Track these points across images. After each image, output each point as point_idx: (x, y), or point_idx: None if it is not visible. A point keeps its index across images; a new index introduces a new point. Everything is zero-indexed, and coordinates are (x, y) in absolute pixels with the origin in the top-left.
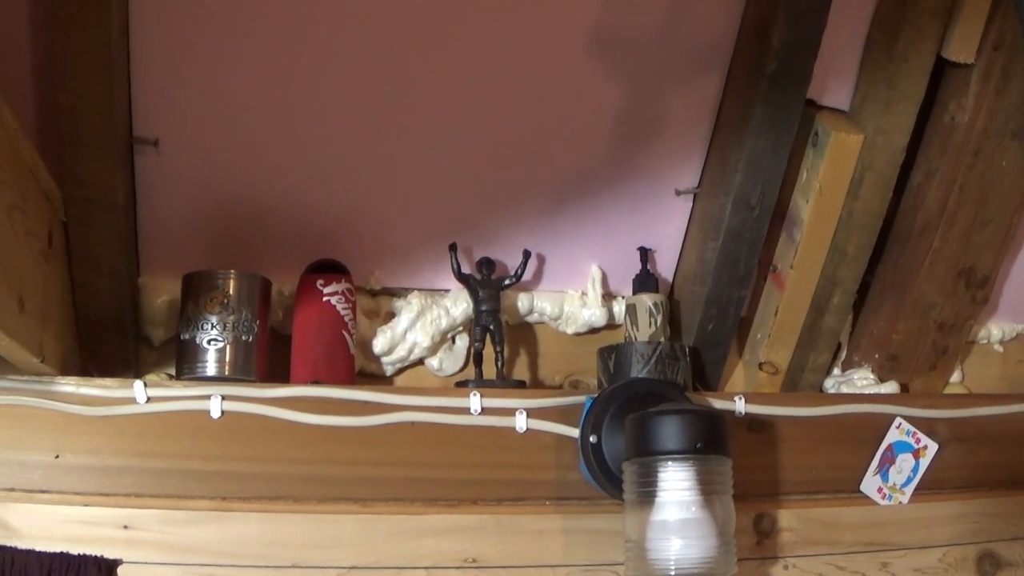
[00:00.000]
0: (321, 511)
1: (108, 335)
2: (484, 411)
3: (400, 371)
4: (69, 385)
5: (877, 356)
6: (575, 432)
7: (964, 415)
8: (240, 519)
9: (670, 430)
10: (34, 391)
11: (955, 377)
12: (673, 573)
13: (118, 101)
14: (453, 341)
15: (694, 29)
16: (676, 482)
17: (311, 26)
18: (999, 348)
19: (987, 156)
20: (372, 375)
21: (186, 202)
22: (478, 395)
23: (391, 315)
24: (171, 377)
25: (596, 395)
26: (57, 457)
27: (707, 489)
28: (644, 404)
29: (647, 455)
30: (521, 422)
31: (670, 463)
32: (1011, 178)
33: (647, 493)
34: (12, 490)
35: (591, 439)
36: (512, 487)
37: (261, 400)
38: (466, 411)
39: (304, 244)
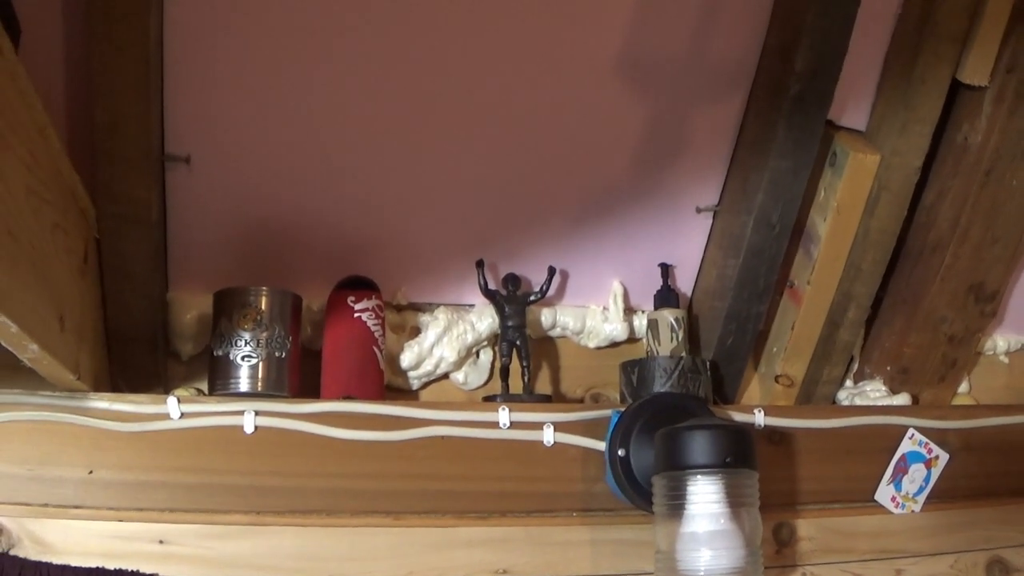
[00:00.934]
0: (354, 524)
1: (138, 350)
2: (512, 425)
3: (426, 385)
4: (103, 401)
5: (889, 368)
6: (601, 445)
7: (974, 425)
8: (275, 533)
9: (700, 445)
10: (67, 407)
11: (963, 388)
12: None
13: (152, 118)
14: (477, 355)
15: (718, 51)
16: (706, 495)
17: (340, 46)
18: (1005, 359)
19: (998, 176)
20: (398, 389)
21: (215, 218)
22: (507, 409)
23: (416, 330)
24: (199, 392)
25: (622, 409)
26: (91, 473)
27: (735, 502)
28: (670, 418)
29: (678, 469)
30: (549, 436)
31: (700, 477)
32: (1021, 197)
33: (677, 506)
34: (46, 506)
35: (619, 452)
36: (540, 499)
37: (294, 415)
38: (495, 425)
39: (331, 260)
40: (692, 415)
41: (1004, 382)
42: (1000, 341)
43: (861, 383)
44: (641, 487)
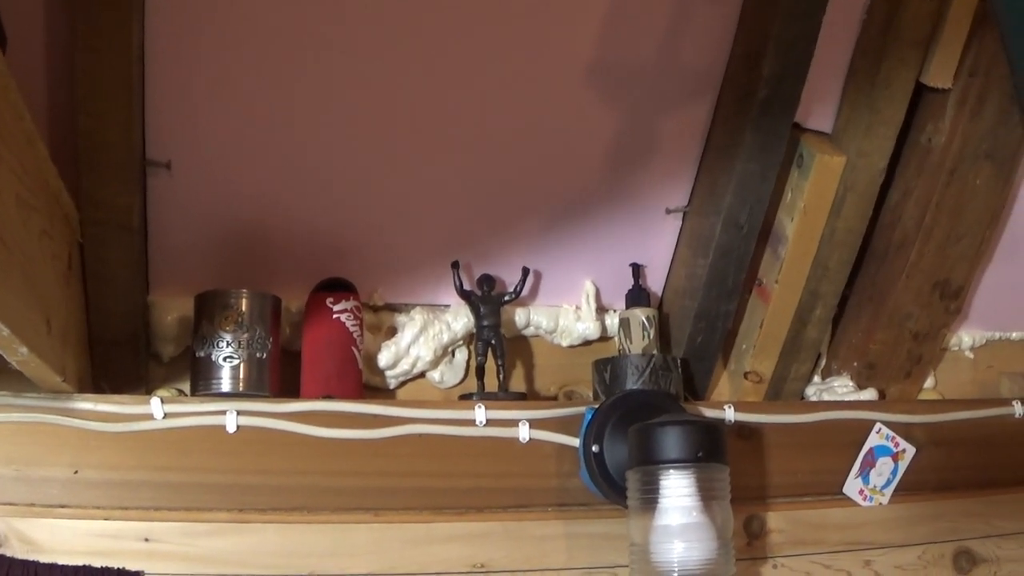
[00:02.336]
0: (335, 521)
1: (120, 352)
2: (488, 423)
3: (403, 384)
4: (87, 402)
5: (856, 364)
6: (575, 441)
7: (939, 420)
8: (257, 530)
9: (672, 440)
10: (52, 408)
11: (928, 383)
12: (676, 573)
13: (134, 125)
14: (453, 355)
15: (686, 58)
16: (678, 489)
17: (319, 54)
18: (970, 355)
19: (962, 176)
20: (376, 388)
21: (195, 222)
22: (483, 407)
23: (393, 330)
24: (181, 392)
25: (596, 406)
26: (76, 472)
27: (707, 495)
28: (642, 415)
29: (651, 464)
30: (524, 433)
31: (672, 471)
32: (984, 196)
33: (650, 499)
34: (33, 505)
35: (593, 448)
36: (516, 495)
37: (275, 415)
38: (471, 423)
39: (310, 262)
40: (664, 411)
41: (970, 377)
42: (965, 337)
43: (829, 379)
44: (615, 482)
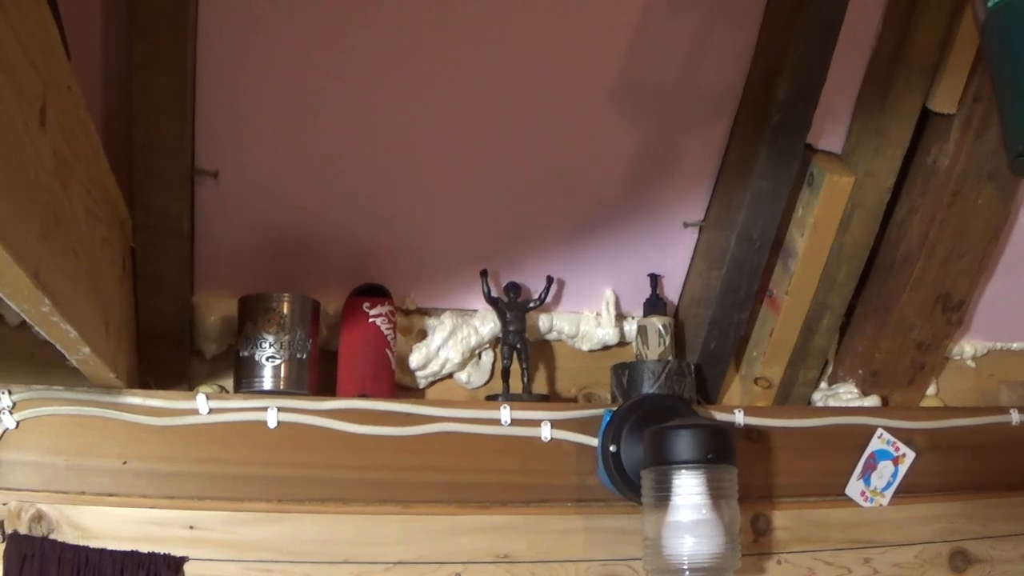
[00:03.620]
0: (368, 512)
1: (166, 350)
2: (513, 422)
3: (432, 384)
4: (136, 397)
5: (861, 372)
6: (594, 441)
7: (939, 426)
8: (295, 519)
9: (685, 442)
10: (103, 403)
11: (931, 390)
12: (686, 567)
13: (185, 137)
14: (480, 357)
15: (705, 79)
16: (689, 488)
17: (358, 72)
18: (971, 364)
19: (965, 196)
20: (406, 387)
21: (239, 228)
22: (507, 408)
23: (423, 332)
24: (222, 389)
25: (614, 409)
26: (125, 463)
27: (716, 494)
28: (657, 417)
29: (664, 464)
30: (546, 432)
31: (684, 471)
32: (986, 215)
33: (663, 497)
34: (83, 493)
35: (611, 448)
36: (538, 490)
37: (314, 412)
38: (497, 422)
39: (346, 268)
40: (678, 415)
41: (971, 385)
42: (967, 347)
43: (835, 385)
44: (631, 480)
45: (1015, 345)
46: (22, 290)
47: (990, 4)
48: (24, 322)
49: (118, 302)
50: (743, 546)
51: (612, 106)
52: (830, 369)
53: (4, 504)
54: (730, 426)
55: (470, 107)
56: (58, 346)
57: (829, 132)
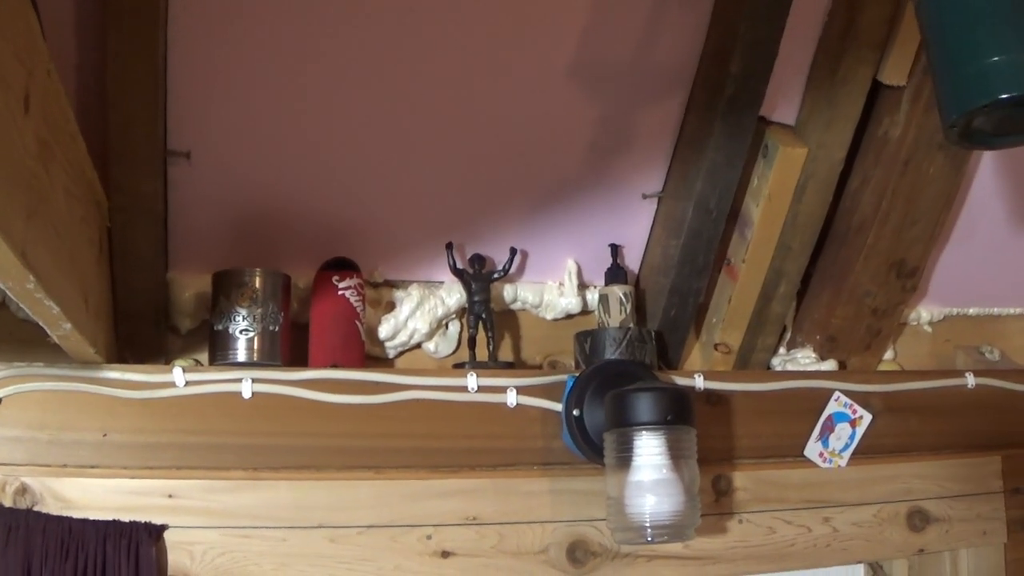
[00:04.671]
0: (341, 478)
1: (142, 325)
2: (480, 389)
3: (400, 354)
4: (115, 372)
5: (818, 338)
6: (558, 406)
7: (895, 389)
8: (271, 487)
9: (645, 405)
10: (83, 378)
11: (888, 355)
12: (648, 524)
13: (158, 119)
14: (447, 327)
15: (660, 56)
16: (650, 448)
17: (323, 55)
18: (928, 329)
19: (916, 165)
20: (376, 358)
21: (211, 206)
22: (474, 375)
23: (391, 304)
24: (197, 362)
25: (577, 374)
26: (105, 436)
27: (676, 454)
28: (619, 382)
29: (625, 426)
30: (512, 398)
31: (645, 433)
32: (937, 183)
33: (625, 458)
34: (65, 466)
35: (574, 412)
36: (505, 455)
37: (287, 382)
38: (464, 389)
39: (315, 243)
40: (638, 379)
41: (928, 349)
42: (924, 312)
43: (793, 351)
44: (594, 443)
45: (971, 311)
46: (9, 268)
47: None
48: (3, 302)
49: (96, 280)
50: (705, 506)
51: (571, 82)
52: (788, 335)
53: None
54: (689, 390)
55: (434, 84)
56: (41, 322)
57: (782, 105)
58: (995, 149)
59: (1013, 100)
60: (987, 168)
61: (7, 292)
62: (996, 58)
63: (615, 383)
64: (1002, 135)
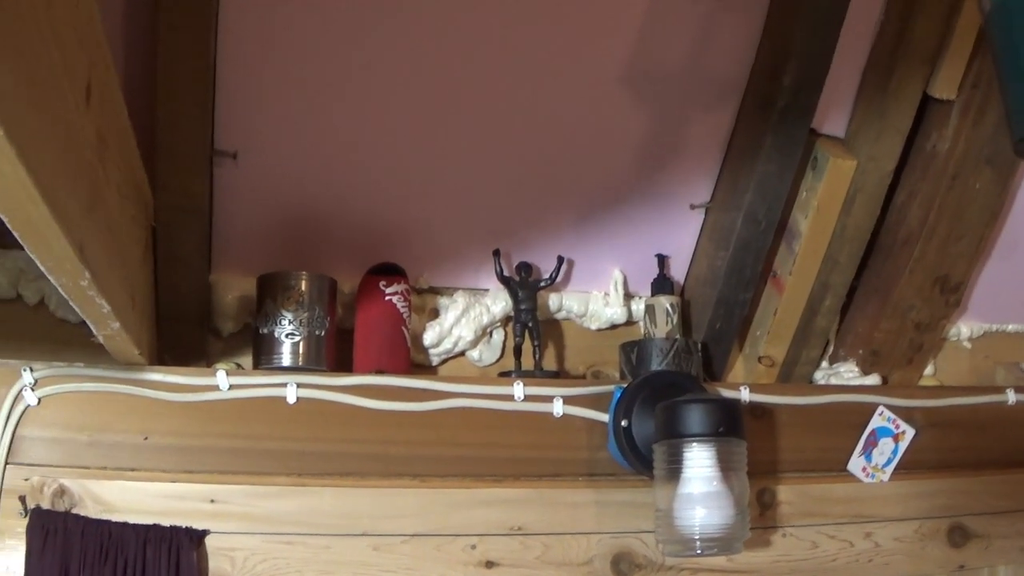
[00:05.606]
0: (385, 486)
1: (184, 327)
2: (526, 398)
3: (444, 361)
4: (157, 374)
5: (861, 352)
6: (604, 417)
7: (938, 404)
8: (314, 493)
9: (697, 416)
10: (125, 379)
11: (928, 370)
12: (698, 537)
13: (206, 119)
14: (491, 335)
15: (712, 66)
16: (700, 460)
17: (373, 56)
18: (968, 345)
19: (963, 180)
20: (420, 365)
21: (257, 208)
22: (521, 384)
23: (436, 311)
24: (238, 366)
25: (624, 385)
26: (146, 439)
27: (726, 466)
28: (667, 394)
29: (677, 437)
30: (558, 408)
31: (695, 444)
32: (983, 198)
33: (675, 470)
34: (105, 468)
35: (623, 423)
36: (550, 465)
37: (332, 388)
38: (510, 398)
39: (362, 247)
40: (686, 391)
41: (967, 366)
42: (964, 328)
43: (836, 364)
44: (641, 454)
45: (1010, 327)
46: (65, 263)
47: None
48: (42, 301)
49: (142, 280)
50: (750, 519)
51: (622, 91)
52: (831, 348)
53: (26, 480)
54: (738, 402)
55: (484, 91)
56: (88, 321)
57: (833, 117)
58: None
59: None
60: None
61: (58, 288)
62: None
63: (664, 394)
64: None
